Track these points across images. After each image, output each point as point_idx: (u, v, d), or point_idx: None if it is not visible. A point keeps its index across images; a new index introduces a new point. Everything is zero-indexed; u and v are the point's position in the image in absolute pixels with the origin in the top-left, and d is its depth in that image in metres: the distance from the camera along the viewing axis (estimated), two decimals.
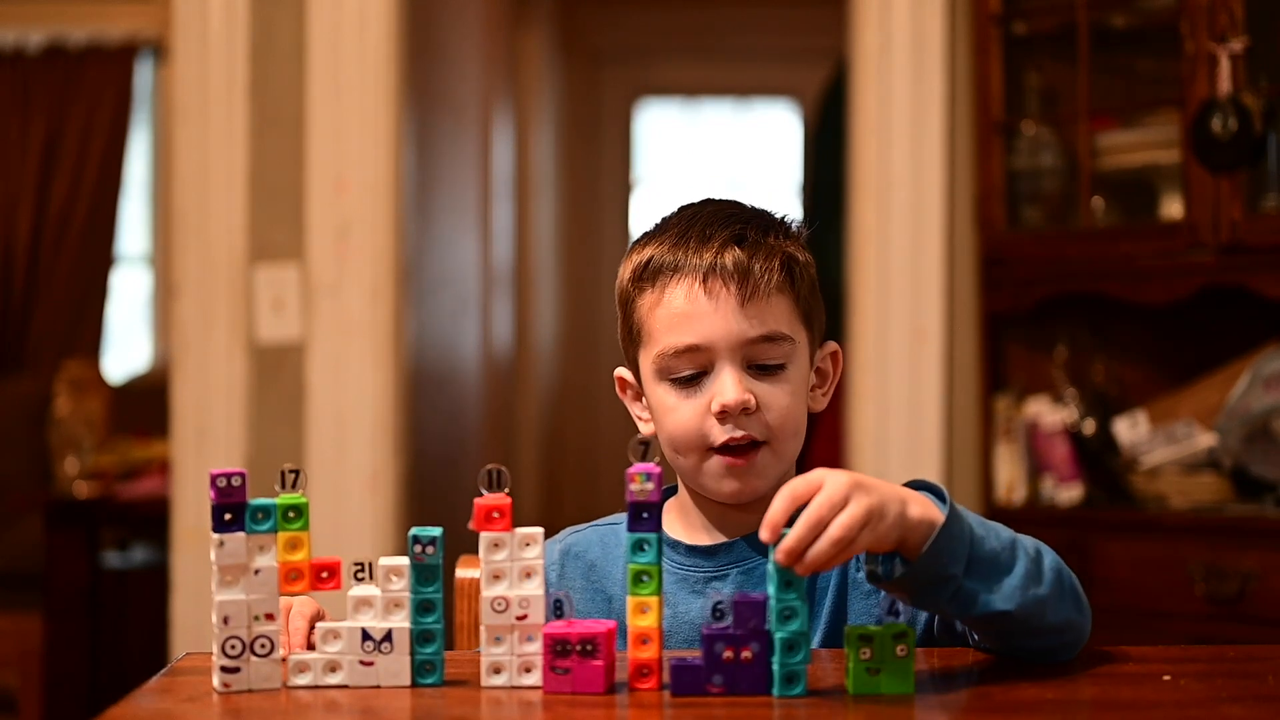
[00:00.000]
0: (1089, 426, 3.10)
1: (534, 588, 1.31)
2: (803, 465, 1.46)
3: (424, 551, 1.32)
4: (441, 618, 1.33)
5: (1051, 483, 3.07)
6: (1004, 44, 3.16)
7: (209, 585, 1.30)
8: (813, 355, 1.54)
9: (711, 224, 1.50)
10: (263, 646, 1.31)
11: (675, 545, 1.54)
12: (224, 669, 1.30)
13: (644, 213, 6.81)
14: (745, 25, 6.64)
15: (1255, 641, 2.24)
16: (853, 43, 3.31)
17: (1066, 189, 3.15)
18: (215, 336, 3.25)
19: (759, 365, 1.48)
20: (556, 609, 1.31)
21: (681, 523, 1.57)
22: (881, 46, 3.21)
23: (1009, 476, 3.10)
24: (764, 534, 1.25)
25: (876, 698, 1.26)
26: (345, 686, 1.32)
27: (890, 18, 3.20)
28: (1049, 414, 3.09)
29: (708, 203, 1.56)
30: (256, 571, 1.30)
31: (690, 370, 1.48)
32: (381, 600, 1.32)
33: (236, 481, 1.30)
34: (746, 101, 7.02)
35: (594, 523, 1.62)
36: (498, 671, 1.31)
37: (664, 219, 1.56)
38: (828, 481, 1.26)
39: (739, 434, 1.47)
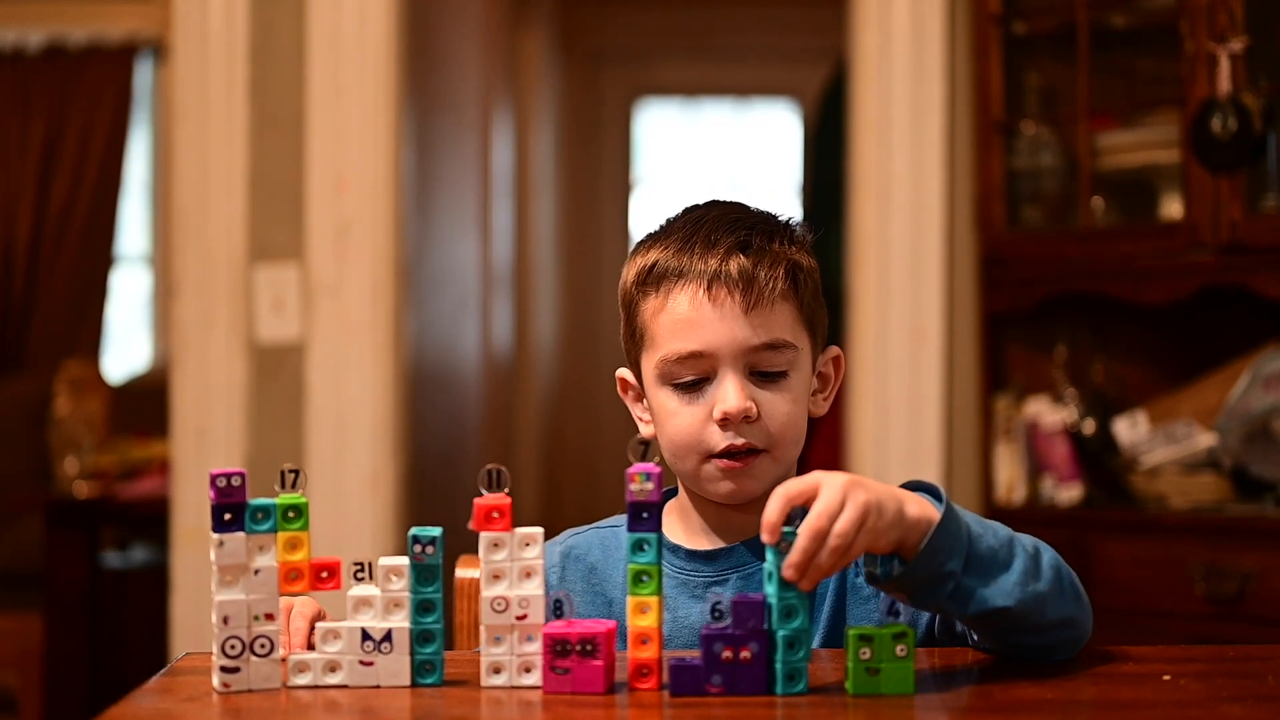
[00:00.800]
0: (1089, 426, 3.10)
1: (534, 588, 1.31)
2: (802, 468, 1.46)
3: (424, 551, 1.32)
4: (441, 618, 1.33)
5: (1051, 483, 3.07)
6: (1004, 44, 3.16)
7: (209, 585, 1.30)
8: (815, 361, 1.54)
9: (717, 229, 1.49)
10: (263, 646, 1.31)
11: (675, 550, 1.54)
12: (224, 669, 1.30)
13: (644, 213, 6.82)
14: (745, 25, 6.64)
15: (1255, 641, 2.24)
16: (853, 43, 3.31)
17: (1066, 189, 3.15)
18: (215, 336, 3.25)
19: (761, 372, 1.48)
20: (556, 609, 1.31)
21: (681, 525, 1.57)
22: (881, 46, 3.21)
23: (1009, 476, 3.10)
24: (765, 537, 1.25)
25: (876, 698, 1.26)
26: (345, 686, 1.32)
27: (890, 18, 3.20)
28: (1049, 414, 3.09)
29: (713, 206, 1.55)
30: (256, 571, 1.30)
31: (692, 376, 1.48)
32: (381, 600, 1.32)
33: (236, 481, 1.30)
34: (746, 101, 7.02)
35: (594, 525, 1.62)
36: (498, 671, 1.31)
37: (668, 221, 1.55)
38: (824, 487, 1.26)
39: (739, 441, 1.47)
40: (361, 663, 1.32)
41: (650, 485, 1.28)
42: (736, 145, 6.98)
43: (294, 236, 3.26)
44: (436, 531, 1.33)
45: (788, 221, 1.54)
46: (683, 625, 1.51)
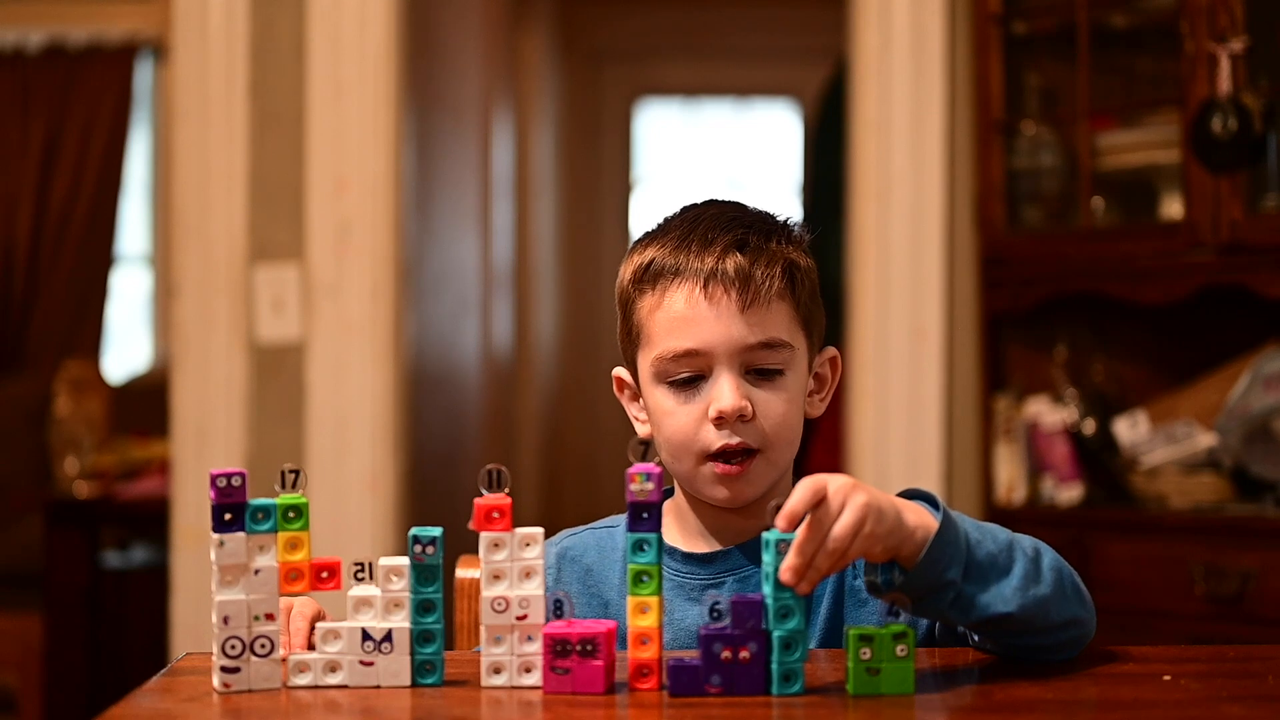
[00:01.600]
0: (1089, 426, 3.10)
1: (534, 588, 1.31)
2: (801, 470, 1.46)
3: (424, 551, 1.32)
4: (441, 618, 1.33)
5: (1051, 483, 3.07)
6: (1004, 44, 3.16)
7: (209, 585, 1.31)
8: (811, 361, 1.53)
9: (714, 227, 1.49)
10: (263, 646, 1.31)
11: (672, 552, 1.54)
12: (224, 669, 1.30)
13: (644, 212, 6.82)
14: (745, 25, 6.64)
15: (1255, 641, 2.24)
16: (853, 42, 3.31)
17: (1066, 189, 3.15)
18: (215, 336, 3.25)
19: (757, 370, 1.48)
20: (556, 609, 1.31)
21: (678, 527, 1.56)
22: (881, 46, 3.21)
23: (1009, 476, 3.10)
24: (782, 525, 1.25)
25: (876, 698, 1.26)
26: (345, 686, 1.32)
27: (890, 18, 3.20)
28: (1049, 414, 3.09)
29: (710, 204, 1.55)
30: (256, 571, 1.31)
31: (688, 374, 1.48)
32: (381, 600, 1.32)
33: (236, 481, 1.30)
34: (746, 101, 7.02)
35: (590, 525, 1.62)
36: (498, 671, 1.31)
37: (666, 220, 1.55)
38: (828, 492, 1.26)
39: (735, 440, 1.47)
40: (362, 663, 1.32)
41: (650, 485, 1.28)
42: (736, 145, 6.98)
43: (294, 236, 3.26)
44: (437, 531, 1.33)
45: (785, 221, 1.54)
46: (679, 628, 1.50)
